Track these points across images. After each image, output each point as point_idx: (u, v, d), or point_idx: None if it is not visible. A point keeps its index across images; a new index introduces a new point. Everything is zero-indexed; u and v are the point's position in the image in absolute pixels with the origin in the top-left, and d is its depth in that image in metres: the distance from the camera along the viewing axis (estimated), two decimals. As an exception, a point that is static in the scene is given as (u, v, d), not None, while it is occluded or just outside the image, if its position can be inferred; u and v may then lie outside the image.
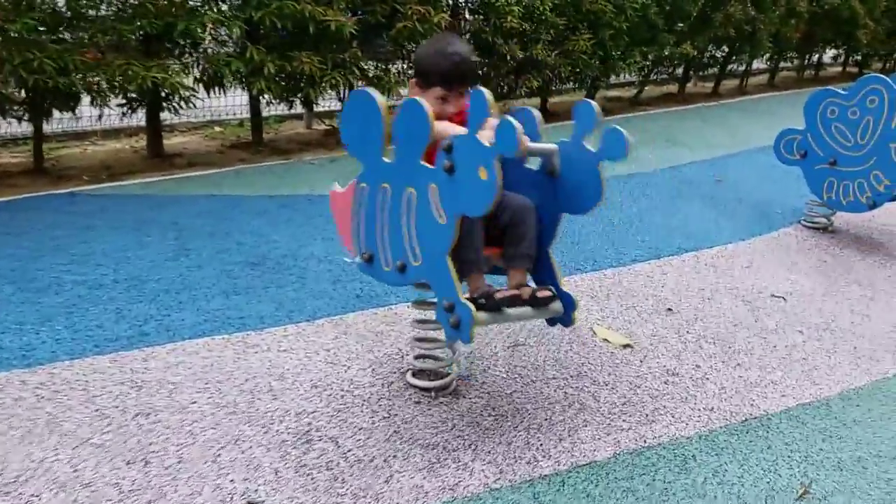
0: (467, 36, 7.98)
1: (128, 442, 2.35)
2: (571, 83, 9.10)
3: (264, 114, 7.53)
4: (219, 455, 2.32)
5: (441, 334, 2.74)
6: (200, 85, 5.93)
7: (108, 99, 5.42)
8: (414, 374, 2.76)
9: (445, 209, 2.18)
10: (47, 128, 6.12)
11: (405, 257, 2.34)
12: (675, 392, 2.84)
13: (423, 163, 2.25)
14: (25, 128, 6.11)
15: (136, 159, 6.33)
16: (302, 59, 5.87)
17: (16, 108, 5.41)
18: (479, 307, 2.30)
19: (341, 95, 7.35)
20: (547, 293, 2.41)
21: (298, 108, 7.79)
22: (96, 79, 5.12)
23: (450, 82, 2.43)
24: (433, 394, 2.70)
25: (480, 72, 8.13)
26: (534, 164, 2.59)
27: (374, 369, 2.86)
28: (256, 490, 2.18)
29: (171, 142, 7.15)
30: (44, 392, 2.59)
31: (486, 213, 2.11)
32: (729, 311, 3.59)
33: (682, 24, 9.76)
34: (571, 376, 2.90)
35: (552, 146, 2.47)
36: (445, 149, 2.14)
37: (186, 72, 5.69)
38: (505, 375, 2.88)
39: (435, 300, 2.36)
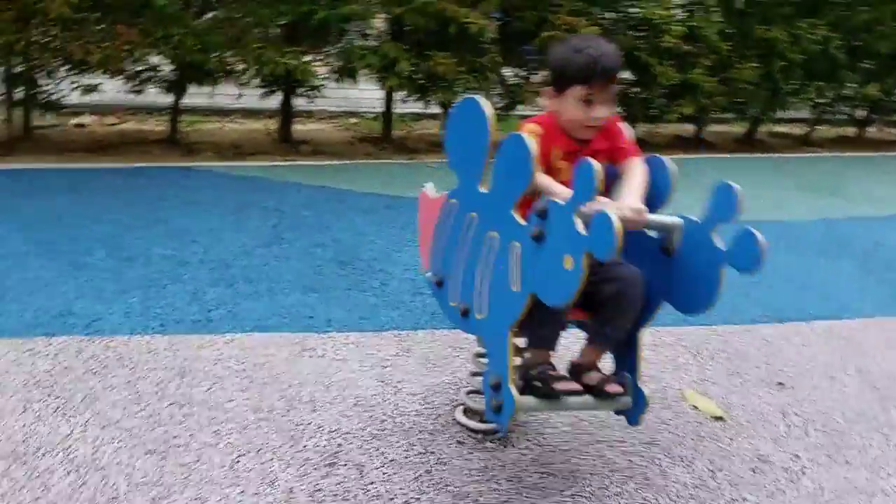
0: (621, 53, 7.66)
1: (154, 430, 2.32)
2: (732, 114, 8.53)
3: (400, 111, 7.59)
4: (237, 462, 2.23)
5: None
6: (333, 76, 6.03)
7: (246, 80, 5.61)
8: (464, 412, 2.56)
9: (523, 280, 1.92)
10: (191, 102, 6.43)
11: (471, 304, 2.13)
12: (762, 483, 2.47)
13: (514, 213, 1.96)
14: (164, 99, 6.43)
15: (266, 141, 6.53)
16: (437, 59, 5.82)
17: (160, 79, 5.71)
18: (531, 389, 2.07)
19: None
20: (617, 388, 2.14)
21: (435, 108, 7.75)
22: (232, 59, 5.31)
23: (588, 77, 2.06)
24: (480, 436, 2.49)
25: (630, 93, 7.78)
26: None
27: (425, 397, 2.68)
28: (263, 508, 2.07)
29: (304, 128, 7.35)
30: (93, 365, 2.62)
31: (565, 305, 1.87)
32: (852, 397, 3.12)
33: (868, 62, 8.90)
34: (643, 443, 2.59)
35: (676, 221, 2.13)
36: (538, 213, 1.86)
37: (321, 61, 5.80)
38: (566, 429, 2.62)
39: None
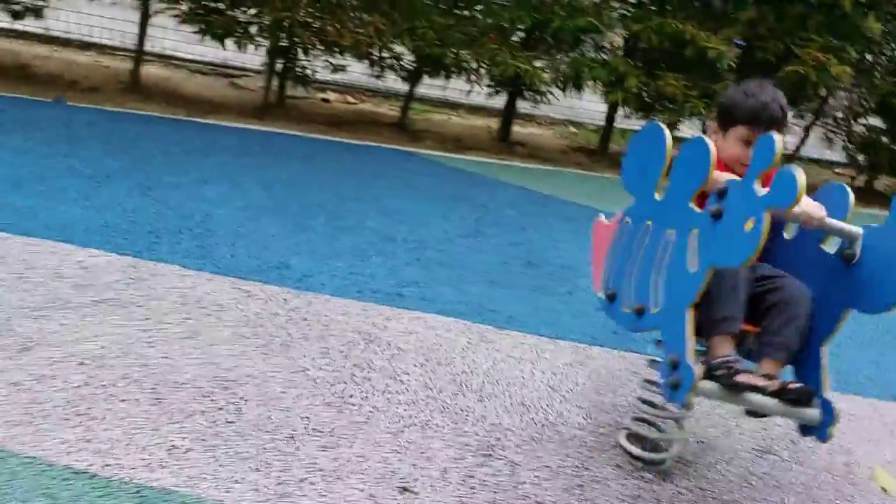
0: (874, 98, 6.98)
1: (335, 386, 2.49)
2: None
3: (621, 126, 7.47)
4: (402, 432, 2.34)
5: (668, 404, 2.45)
6: (560, 83, 6.06)
7: (480, 78, 5.81)
8: (629, 437, 2.49)
9: (700, 257, 2.00)
10: (424, 92, 6.77)
11: (646, 301, 2.17)
12: None
13: (691, 205, 2.07)
14: (402, 86, 6.78)
15: (486, 138, 6.71)
16: (668, 80, 5.66)
17: (400, 67, 6.06)
18: (712, 378, 2.04)
19: (704, 126, 6.99)
20: (798, 385, 2.07)
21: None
22: (467, 57, 5.52)
23: (754, 121, 2.21)
24: (640, 465, 2.41)
25: (877, 141, 7.08)
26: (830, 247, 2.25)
27: (590, 413, 2.65)
28: (416, 480, 2.16)
29: (523, 130, 7.46)
30: (294, 316, 2.86)
31: (743, 265, 1.91)
32: None
33: None
34: (816, 514, 2.38)
35: (856, 229, 2.15)
36: (718, 192, 1.97)
37: (550, 69, 5.86)
38: (734, 479, 2.46)
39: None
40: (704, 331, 2.14)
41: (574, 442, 2.46)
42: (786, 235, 2.43)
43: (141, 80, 6.21)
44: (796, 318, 2.15)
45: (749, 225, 1.84)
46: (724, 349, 2.14)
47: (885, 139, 7.12)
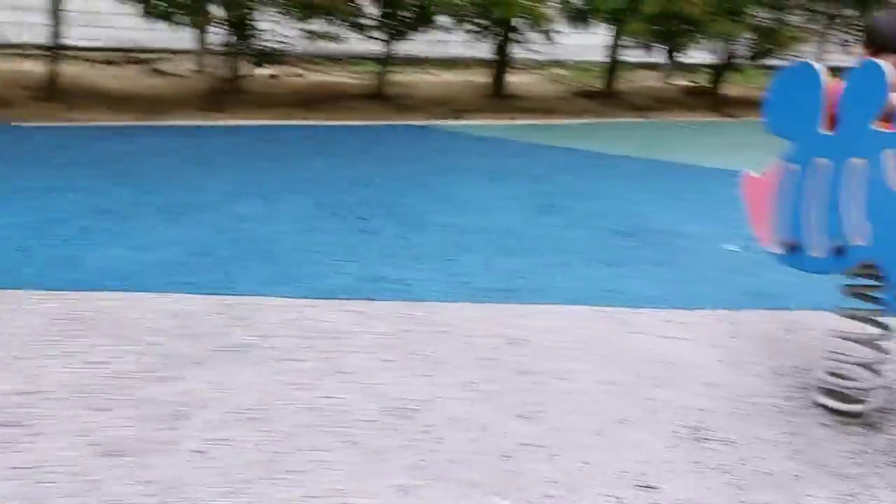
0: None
1: (513, 395, 2.83)
2: None
3: (627, 59, 7.93)
4: (603, 430, 2.71)
5: (864, 352, 2.89)
6: (564, 20, 6.44)
7: (461, 24, 6.11)
8: (825, 393, 2.92)
9: None
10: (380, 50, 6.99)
11: (844, 238, 2.56)
12: None
13: (875, 127, 2.46)
14: (366, 47, 6.98)
15: (476, 97, 7.05)
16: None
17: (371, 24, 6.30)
18: None
19: (720, 48, 7.51)
20: None
21: (655, 57, 8.02)
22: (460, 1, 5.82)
23: None
24: (844, 419, 2.85)
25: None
26: None
27: (774, 379, 3.07)
28: (646, 475, 2.54)
29: (511, 80, 7.82)
30: (426, 329, 3.18)
31: None
32: None
33: None
34: None
35: None
36: None
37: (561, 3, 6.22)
38: (938, 419, 2.93)
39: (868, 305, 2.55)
40: None
41: (773, 410, 2.88)
42: None
43: (58, 82, 6.25)
44: None
45: None
46: None
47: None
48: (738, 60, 7.58)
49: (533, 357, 3.07)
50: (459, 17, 5.90)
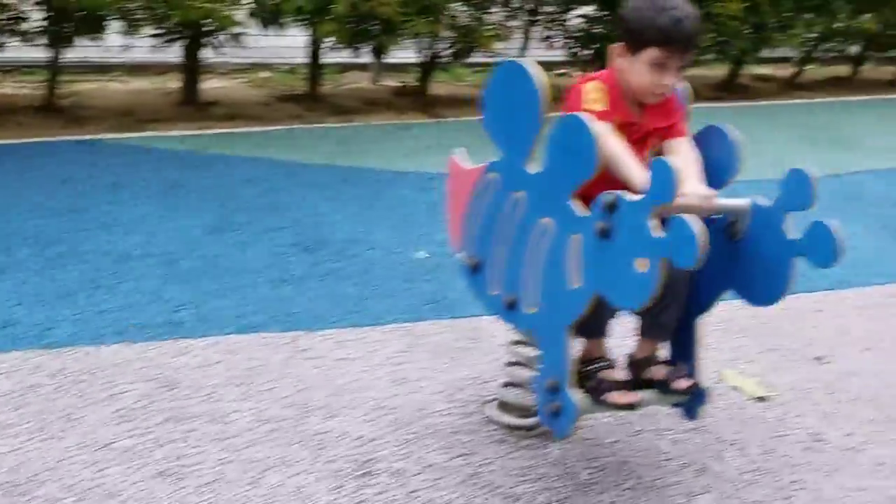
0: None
1: (158, 450, 2.54)
2: (712, 54, 9.05)
3: (324, 60, 7.76)
4: (261, 477, 2.48)
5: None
6: (253, 21, 6.17)
7: (140, 29, 5.69)
8: (499, 407, 2.87)
9: (585, 279, 2.18)
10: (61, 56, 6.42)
11: (520, 295, 2.39)
12: (820, 462, 2.88)
13: (573, 202, 2.21)
14: (35, 54, 6.37)
15: (166, 105, 6.62)
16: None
17: (33, 29, 5.71)
18: (584, 388, 2.40)
19: (424, 47, 7.52)
20: (688, 384, 2.49)
21: (365, 57, 7.92)
22: (132, 4, 5.40)
23: (669, 42, 2.29)
24: (519, 433, 2.80)
25: (597, 32, 8.19)
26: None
27: (451, 393, 2.98)
28: (305, 524, 2.33)
29: (208, 86, 7.44)
30: (64, 381, 2.81)
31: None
32: (894, 370, 3.59)
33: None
34: (690, 429, 2.97)
35: (743, 203, 2.40)
36: (606, 206, 2.09)
37: (240, 4, 5.93)
38: (608, 421, 2.97)
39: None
40: (579, 331, 2.44)
41: (448, 430, 2.79)
42: None
43: None
44: (675, 299, 2.45)
45: (642, 266, 2.00)
46: (596, 350, 2.50)
47: (602, 29, 8.25)
48: (442, 59, 7.62)
49: (189, 401, 2.80)
50: (132, 21, 5.48)
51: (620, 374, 2.53)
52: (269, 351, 3.12)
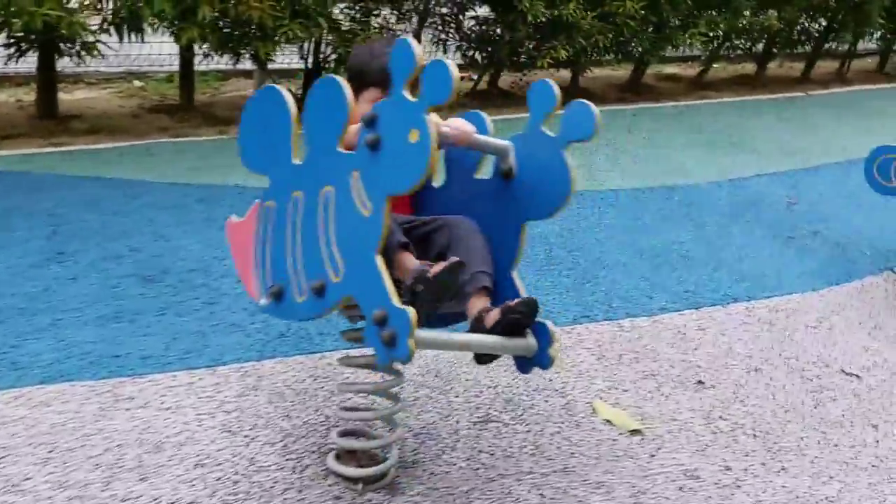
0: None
1: (-73, 530, 2.24)
2: (612, 55, 9.00)
3: (202, 68, 7.46)
4: (51, 557, 2.21)
5: (378, 402, 2.67)
6: (112, 28, 5.83)
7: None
8: (337, 457, 2.65)
9: (370, 195, 2.20)
10: None
11: (324, 274, 2.31)
12: (693, 503, 2.73)
13: (340, 149, 2.28)
14: None
15: (20, 118, 6.25)
16: (249, 2, 5.78)
17: None
18: (416, 299, 2.29)
19: (305, 52, 7.29)
20: (517, 303, 2.42)
21: (248, 63, 7.65)
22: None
23: (386, 80, 2.39)
24: (361, 486, 2.58)
25: (492, 34, 8.04)
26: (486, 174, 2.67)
27: (285, 444, 2.74)
28: None
29: (73, 97, 7.08)
30: None
31: (418, 186, 2.13)
32: (781, 391, 3.47)
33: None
34: (554, 471, 2.79)
35: (504, 142, 2.58)
36: (367, 121, 2.18)
37: (95, 8, 5.60)
38: (464, 465, 2.76)
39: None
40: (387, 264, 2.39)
41: (279, 487, 2.55)
42: (434, 184, 2.76)
43: None
44: (475, 244, 2.53)
45: (414, 136, 2.08)
46: (408, 262, 2.42)
47: (498, 31, 8.11)
48: (328, 65, 7.38)
49: (-23, 466, 2.48)
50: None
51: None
52: (83, 402, 2.83)
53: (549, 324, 2.49)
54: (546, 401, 3.17)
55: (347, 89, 2.23)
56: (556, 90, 2.53)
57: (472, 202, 2.66)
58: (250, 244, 2.53)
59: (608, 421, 3.11)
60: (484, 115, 2.74)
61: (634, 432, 3.05)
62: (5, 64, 6.29)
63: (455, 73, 2.10)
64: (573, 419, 3.09)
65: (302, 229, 2.36)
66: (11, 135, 5.74)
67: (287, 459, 2.67)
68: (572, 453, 2.89)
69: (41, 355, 3.05)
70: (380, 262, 2.19)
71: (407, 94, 2.12)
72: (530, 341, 2.48)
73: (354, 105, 2.36)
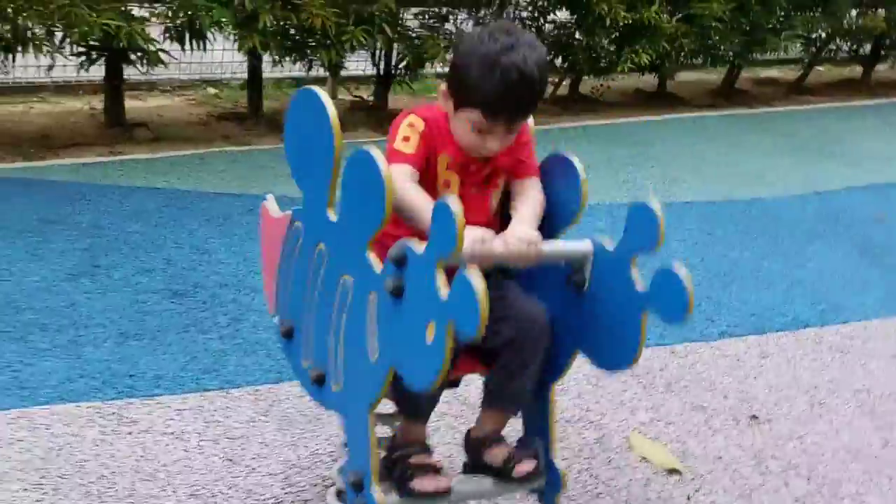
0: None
1: None
2: (700, 58, 8.65)
3: (275, 75, 7.46)
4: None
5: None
6: (174, 37, 5.85)
7: (48, 48, 5.38)
8: (339, 494, 2.50)
9: (380, 348, 1.89)
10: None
11: (326, 369, 2.09)
12: (731, 557, 2.50)
13: (370, 255, 1.92)
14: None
15: (90, 126, 6.32)
16: (311, 9, 5.71)
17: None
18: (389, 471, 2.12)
19: (376, 59, 7.20)
20: (528, 468, 2.17)
21: (321, 71, 7.59)
22: (29, 24, 5.11)
23: (496, 111, 2.05)
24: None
25: (571, 40, 7.83)
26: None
27: (287, 476, 2.63)
28: None
29: (145, 105, 7.15)
30: None
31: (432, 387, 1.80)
32: (846, 428, 3.19)
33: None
34: (576, 516, 2.59)
35: (581, 247, 2.13)
36: (395, 260, 1.80)
37: (157, 19, 5.64)
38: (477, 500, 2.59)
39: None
40: (398, 405, 2.20)
41: (272, 524, 2.42)
42: None
43: None
44: (530, 360, 2.17)
45: (431, 333, 1.73)
46: (416, 433, 2.20)
47: (578, 36, 7.89)
48: (399, 72, 7.29)
49: (-32, 490, 2.43)
50: (31, 42, 5.18)
51: (434, 459, 2.19)
52: (84, 425, 2.76)
53: (559, 476, 2.27)
54: (579, 434, 2.98)
55: (390, 187, 1.81)
56: (661, 221, 1.97)
57: (539, 287, 2.25)
58: (276, 252, 2.28)
59: (644, 458, 2.89)
60: (575, 161, 2.21)
61: (672, 472, 2.83)
62: (77, 72, 6.40)
63: (480, 291, 1.61)
64: (605, 454, 2.89)
65: (320, 296, 2.07)
66: (78, 143, 5.82)
67: (287, 493, 2.55)
68: (599, 493, 2.69)
69: (52, 374, 3.00)
70: (371, 423, 1.96)
71: (440, 280, 1.70)
72: (539, 483, 2.27)
73: (452, 115, 2.13)
